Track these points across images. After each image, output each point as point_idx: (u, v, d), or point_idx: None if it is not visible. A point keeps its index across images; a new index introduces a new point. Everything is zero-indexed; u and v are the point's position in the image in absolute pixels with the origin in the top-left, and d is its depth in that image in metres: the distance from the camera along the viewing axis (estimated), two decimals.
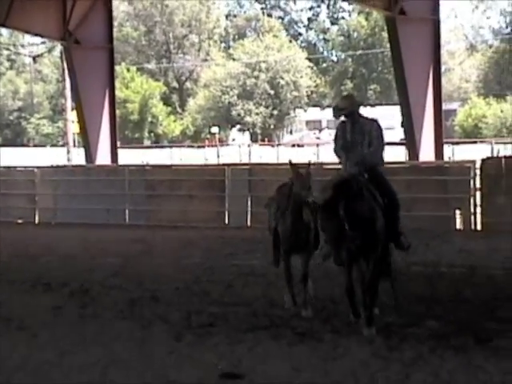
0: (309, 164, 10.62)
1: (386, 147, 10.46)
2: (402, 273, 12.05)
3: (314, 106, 73.24)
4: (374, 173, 10.06)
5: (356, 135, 10.24)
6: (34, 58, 63.96)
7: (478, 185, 19.34)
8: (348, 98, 10.81)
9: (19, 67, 72.57)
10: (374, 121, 10.49)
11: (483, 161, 19.79)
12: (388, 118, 47.20)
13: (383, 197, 9.77)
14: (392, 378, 7.83)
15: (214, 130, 66.68)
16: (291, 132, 75.48)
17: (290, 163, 10.38)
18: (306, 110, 74.99)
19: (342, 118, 10.45)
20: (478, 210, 19.27)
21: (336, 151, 10.43)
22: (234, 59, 72.49)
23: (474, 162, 19.83)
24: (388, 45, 26.59)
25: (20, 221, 23.74)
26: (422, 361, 8.33)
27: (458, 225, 19.61)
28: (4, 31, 42.46)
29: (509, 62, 66.80)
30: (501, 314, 10.30)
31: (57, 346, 9.31)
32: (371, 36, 71.05)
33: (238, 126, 71.05)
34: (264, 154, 50.01)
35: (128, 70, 68.59)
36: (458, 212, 19.58)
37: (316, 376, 7.92)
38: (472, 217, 19.37)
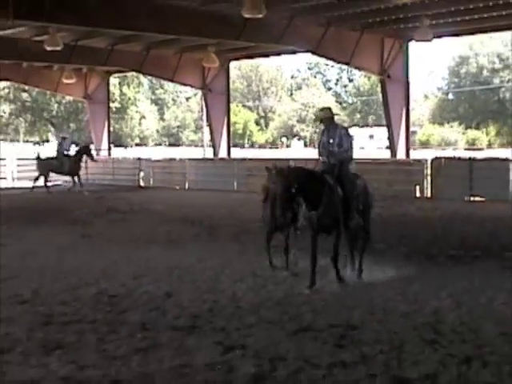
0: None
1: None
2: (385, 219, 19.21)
3: None
4: (342, 169, 12.23)
5: (329, 138, 12.46)
6: (187, 99, 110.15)
7: (428, 172, 28.68)
8: (324, 110, 13.03)
9: (179, 103, 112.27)
10: (344, 127, 13.17)
11: (432, 159, 29.37)
12: (380, 133, 71.60)
13: (342, 188, 11.93)
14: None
15: (283, 139, 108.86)
16: None
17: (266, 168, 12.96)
18: None
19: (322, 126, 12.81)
20: (428, 186, 28.60)
21: (318, 152, 12.67)
22: (294, 101, 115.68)
23: (426, 160, 29.65)
24: (380, 94, 37.62)
25: (177, 187, 35.58)
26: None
27: (418, 194, 28.51)
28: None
29: (445, 105, 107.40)
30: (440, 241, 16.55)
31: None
32: (371, 88, 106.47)
33: (297, 137, 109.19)
34: (310, 154, 59.39)
35: (237, 106, 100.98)
36: (417, 187, 28.72)
37: None
38: (425, 190, 28.68)
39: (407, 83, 35.02)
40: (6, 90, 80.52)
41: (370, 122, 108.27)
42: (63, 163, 33.40)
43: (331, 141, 12.35)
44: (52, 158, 34.14)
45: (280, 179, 11.35)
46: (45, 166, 33.55)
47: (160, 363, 7.96)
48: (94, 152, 35.44)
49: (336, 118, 12.98)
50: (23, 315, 10.16)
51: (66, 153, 33.93)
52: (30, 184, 33.97)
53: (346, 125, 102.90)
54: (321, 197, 11.57)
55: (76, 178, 33.51)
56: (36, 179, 33.56)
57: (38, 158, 34.26)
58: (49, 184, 33.55)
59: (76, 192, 32.45)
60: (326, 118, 12.63)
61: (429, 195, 28.32)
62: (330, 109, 13.05)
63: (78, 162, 33.73)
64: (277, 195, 11.56)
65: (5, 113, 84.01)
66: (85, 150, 34.17)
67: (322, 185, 11.69)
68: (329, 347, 8.52)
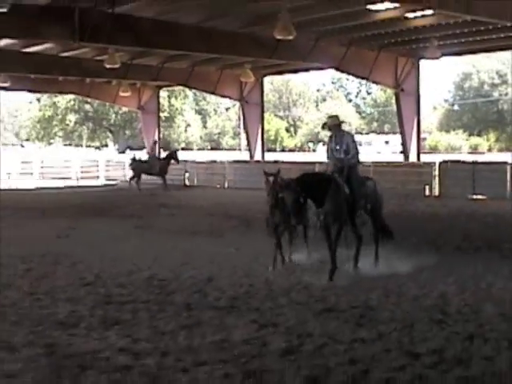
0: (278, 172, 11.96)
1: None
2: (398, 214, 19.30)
3: (357, 133, 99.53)
4: (351, 172, 11.71)
5: (336, 144, 11.93)
6: (227, 109, 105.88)
7: (436, 173, 28.64)
8: (332, 118, 12.37)
9: (219, 113, 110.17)
10: (350, 134, 12.54)
11: (440, 163, 29.35)
12: (394, 140, 70.68)
13: (350, 188, 11.49)
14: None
15: (310, 144, 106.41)
16: None
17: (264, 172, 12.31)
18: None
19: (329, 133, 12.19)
20: (437, 186, 28.46)
21: (327, 157, 12.06)
22: (320, 111, 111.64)
23: (435, 163, 29.53)
24: (395, 105, 36.91)
25: (218, 186, 35.44)
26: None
27: (427, 193, 28.34)
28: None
29: (451, 115, 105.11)
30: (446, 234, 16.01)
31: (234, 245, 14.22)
32: (386, 100, 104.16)
33: (322, 143, 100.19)
34: None
35: (269, 115, 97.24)
36: (427, 187, 28.57)
37: None
38: (433, 189, 28.51)
39: (418, 96, 34.82)
40: (72, 102, 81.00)
41: (385, 130, 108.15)
42: (154, 165, 33.30)
43: (338, 147, 11.89)
44: (144, 161, 34.09)
45: (289, 193, 10.91)
46: (138, 168, 33.44)
47: (203, 338, 7.99)
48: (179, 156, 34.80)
49: (344, 125, 12.48)
50: (87, 296, 10.26)
51: (156, 156, 34.38)
52: (91, 183, 34.33)
53: (364, 132, 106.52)
54: (327, 193, 11.15)
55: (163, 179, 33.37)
56: (131, 179, 33.64)
57: (133, 160, 34.22)
58: (133, 183, 33.16)
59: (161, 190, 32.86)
60: (333, 125, 12.11)
61: (437, 194, 28.15)
62: (337, 117, 12.50)
63: (166, 165, 33.52)
64: (279, 205, 11.40)
65: (70, 121, 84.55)
66: (172, 155, 33.98)
67: (328, 182, 11.31)
68: (350, 325, 8.52)
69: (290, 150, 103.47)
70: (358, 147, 12.13)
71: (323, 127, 12.39)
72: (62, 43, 30.61)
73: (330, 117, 12.47)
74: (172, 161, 33.69)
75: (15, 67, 33.78)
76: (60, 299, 10.03)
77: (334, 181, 11.38)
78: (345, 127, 12.49)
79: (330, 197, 11.14)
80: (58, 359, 7.28)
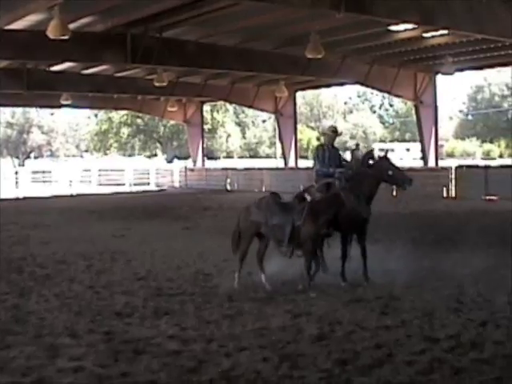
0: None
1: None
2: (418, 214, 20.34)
3: (381, 141, 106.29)
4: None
5: (324, 158, 11.01)
6: (263, 121, 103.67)
7: (453, 177, 28.50)
8: (330, 127, 11.66)
9: (257, 124, 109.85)
10: (337, 149, 11.44)
11: (456, 167, 29.36)
12: (415, 147, 70.17)
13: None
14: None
15: None
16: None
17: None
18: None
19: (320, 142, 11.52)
20: (453, 188, 28.33)
21: (322, 166, 10.97)
22: (347, 122, 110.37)
23: (451, 167, 29.51)
24: (415, 116, 36.88)
25: (256, 190, 33.49)
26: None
27: (445, 194, 28.29)
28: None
29: (465, 124, 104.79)
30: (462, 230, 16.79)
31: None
32: (407, 111, 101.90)
33: (349, 150, 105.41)
34: None
35: (302, 126, 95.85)
36: (444, 189, 28.48)
37: None
38: (450, 191, 28.42)
39: (435, 107, 34.71)
40: (125, 117, 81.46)
41: (406, 138, 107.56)
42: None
43: (327, 160, 11.00)
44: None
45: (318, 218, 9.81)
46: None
47: (243, 326, 8.02)
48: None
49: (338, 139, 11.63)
50: (140, 289, 10.33)
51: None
52: (143, 189, 34.43)
53: (387, 140, 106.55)
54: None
55: None
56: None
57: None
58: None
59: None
60: (330, 134, 11.32)
61: (454, 195, 28.08)
62: (335, 127, 11.68)
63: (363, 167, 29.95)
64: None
65: (124, 134, 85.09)
66: (370, 155, 29.84)
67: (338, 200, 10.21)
68: (375, 314, 8.50)
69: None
70: (342, 162, 11.30)
71: (318, 139, 11.50)
72: (116, 65, 30.95)
73: (330, 127, 11.77)
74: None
75: (76, 87, 34.15)
76: (116, 292, 10.12)
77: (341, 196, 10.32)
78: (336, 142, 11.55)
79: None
80: (115, 345, 7.36)
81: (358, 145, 29.49)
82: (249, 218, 10.46)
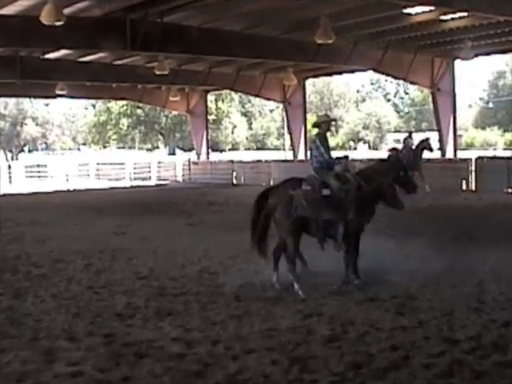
0: None
1: None
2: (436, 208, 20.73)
3: (396, 131, 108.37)
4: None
5: (318, 147, 10.87)
6: (271, 111, 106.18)
7: (473, 169, 28.21)
8: (323, 116, 11.67)
9: (264, 114, 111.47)
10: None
11: (476, 158, 29.03)
12: (432, 137, 66.66)
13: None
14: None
15: (351, 143, 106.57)
16: (386, 144, 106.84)
17: None
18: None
19: (316, 132, 11.16)
20: (473, 180, 28.10)
21: (331, 157, 10.82)
22: (360, 111, 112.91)
23: (471, 158, 29.23)
24: (431, 104, 37.02)
25: (264, 184, 30.79)
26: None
27: (464, 187, 28.04)
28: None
29: (486, 113, 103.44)
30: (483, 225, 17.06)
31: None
32: (423, 100, 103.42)
33: (362, 141, 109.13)
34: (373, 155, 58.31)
35: (312, 116, 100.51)
36: (463, 181, 28.30)
37: None
38: (470, 184, 28.20)
39: (454, 95, 34.54)
40: (125, 107, 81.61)
41: (423, 128, 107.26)
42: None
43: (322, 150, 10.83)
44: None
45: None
46: None
47: (251, 327, 8.04)
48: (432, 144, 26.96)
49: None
50: (142, 288, 10.37)
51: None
52: (144, 183, 34.48)
53: (402, 130, 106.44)
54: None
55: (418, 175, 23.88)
56: None
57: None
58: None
59: None
60: (323, 122, 11.08)
61: (473, 188, 27.76)
62: (327, 115, 11.74)
63: (416, 157, 25.42)
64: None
65: (124, 126, 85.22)
66: (425, 144, 26.13)
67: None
68: (391, 314, 8.51)
69: (332, 149, 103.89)
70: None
71: (313, 126, 11.38)
72: (114, 52, 30.97)
73: (321, 116, 11.66)
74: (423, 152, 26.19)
75: (72, 76, 34.13)
76: (117, 292, 10.16)
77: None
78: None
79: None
80: (116, 348, 7.39)
81: (410, 133, 27.58)
82: (293, 212, 10.13)
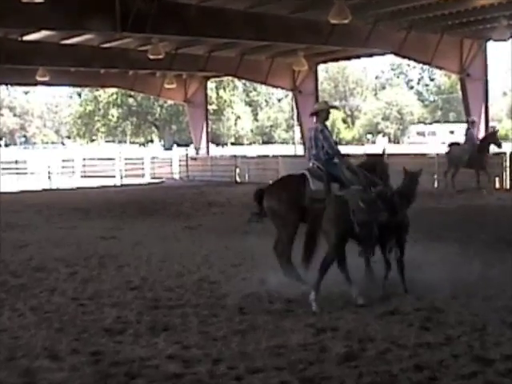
0: None
1: None
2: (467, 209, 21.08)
3: (419, 122, 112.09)
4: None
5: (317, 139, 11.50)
6: (279, 100, 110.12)
7: (507, 164, 27.92)
8: (322, 103, 12.17)
9: (271, 104, 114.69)
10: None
11: (511, 153, 28.56)
12: (460, 129, 64.80)
13: None
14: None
15: (369, 136, 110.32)
16: (408, 137, 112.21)
17: None
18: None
19: (315, 121, 11.70)
20: (508, 178, 27.83)
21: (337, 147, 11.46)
22: (379, 100, 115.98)
23: (505, 153, 28.58)
24: (460, 92, 37.01)
25: (271, 182, 30.29)
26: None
27: (497, 186, 27.51)
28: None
29: None
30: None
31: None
32: (451, 87, 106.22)
33: (381, 134, 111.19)
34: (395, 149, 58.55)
35: None
36: (497, 179, 27.73)
37: None
38: (504, 181, 27.93)
39: (486, 81, 34.28)
40: (114, 96, 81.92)
41: (450, 119, 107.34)
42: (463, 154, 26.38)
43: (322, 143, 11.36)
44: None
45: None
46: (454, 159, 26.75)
47: (257, 344, 8.03)
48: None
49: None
50: (133, 300, 10.37)
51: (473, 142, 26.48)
52: (136, 181, 34.47)
53: (427, 121, 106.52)
54: None
55: (481, 172, 26.17)
56: (445, 173, 27.29)
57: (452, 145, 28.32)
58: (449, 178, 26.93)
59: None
60: (322, 110, 11.63)
61: (508, 187, 27.53)
62: (326, 102, 12.02)
63: (482, 153, 26.10)
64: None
65: (113, 117, 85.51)
66: (493, 138, 27.15)
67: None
68: (414, 329, 8.48)
69: (347, 143, 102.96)
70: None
71: (311, 114, 11.82)
72: (103, 34, 30.98)
73: (324, 102, 12.00)
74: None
75: (54, 60, 34.21)
76: (105, 304, 10.16)
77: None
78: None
79: None
80: (104, 368, 7.38)
81: (473, 122, 27.10)
82: (352, 217, 9.75)
